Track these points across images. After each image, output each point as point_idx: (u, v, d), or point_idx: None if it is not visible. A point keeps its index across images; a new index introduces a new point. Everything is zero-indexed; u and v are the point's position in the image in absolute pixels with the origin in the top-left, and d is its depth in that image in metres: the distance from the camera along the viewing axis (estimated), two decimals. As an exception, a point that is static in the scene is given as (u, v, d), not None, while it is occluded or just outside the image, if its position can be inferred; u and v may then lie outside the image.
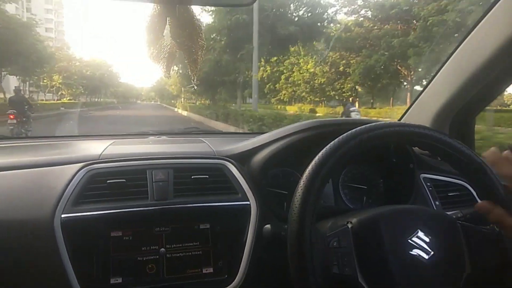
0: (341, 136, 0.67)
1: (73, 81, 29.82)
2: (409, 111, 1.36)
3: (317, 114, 20.57)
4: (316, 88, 28.20)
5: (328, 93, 27.76)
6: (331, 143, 0.66)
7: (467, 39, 1.05)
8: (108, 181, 0.87)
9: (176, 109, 31.05)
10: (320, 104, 31.02)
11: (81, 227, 0.81)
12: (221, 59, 16.51)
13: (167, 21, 0.71)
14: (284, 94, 33.31)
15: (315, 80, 27.60)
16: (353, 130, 0.67)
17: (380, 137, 0.67)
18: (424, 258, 0.62)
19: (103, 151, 1.03)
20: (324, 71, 25.96)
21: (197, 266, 0.86)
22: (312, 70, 26.79)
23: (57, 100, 30.05)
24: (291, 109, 28.93)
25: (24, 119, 9.15)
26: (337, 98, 27.58)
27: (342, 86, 25.57)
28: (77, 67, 31.90)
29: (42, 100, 28.95)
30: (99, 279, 0.81)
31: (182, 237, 0.87)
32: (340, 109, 26.42)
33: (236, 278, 0.85)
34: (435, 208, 1.00)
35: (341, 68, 24.36)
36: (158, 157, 0.97)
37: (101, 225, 0.83)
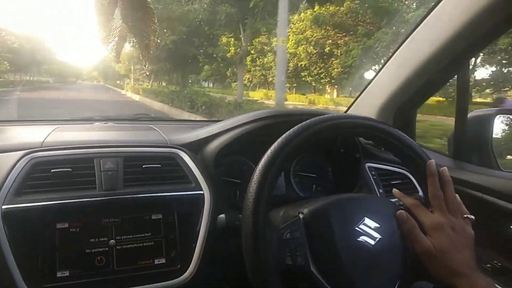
0: (295, 127, 0.68)
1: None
2: (356, 102, 1.42)
3: (288, 103, 16.43)
4: (289, 73, 21.51)
5: (304, 79, 23.04)
6: (286, 133, 0.68)
7: (413, 34, 1.12)
8: (52, 170, 0.82)
9: (124, 92, 27.09)
10: (290, 90, 26.68)
11: (24, 218, 0.76)
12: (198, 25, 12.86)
13: (118, 3, 0.67)
14: (249, 79, 27.49)
15: (289, 62, 20.61)
16: (307, 121, 0.69)
17: (331, 128, 0.70)
18: (371, 244, 0.65)
19: (46, 137, 0.96)
20: (309, 51, 20.37)
21: (149, 257, 0.84)
22: (292, 50, 20.47)
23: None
24: (256, 95, 26.57)
25: None
26: (313, 84, 24.01)
27: (321, 71, 20.66)
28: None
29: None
30: (45, 273, 0.77)
31: (133, 228, 0.84)
32: (313, 97, 23.80)
33: (189, 268, 0.85)
34: (379, 195, 1.06)
35: (327, 49, 19.43)
36: (107, 145, 0.93)
37: (46, 216, 0.78)
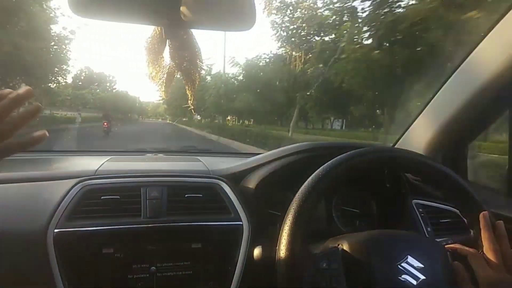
0: (334, 159, 0.68)
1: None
2: (403, 137, 1.38)
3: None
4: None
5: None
6: (324, 165, 0.68)
7: (460, 66, 1.08)
8: (102, 197, 0.87)
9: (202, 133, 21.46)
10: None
11: (73, 242, 0.81)
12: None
13: (167, 43, 0.73)
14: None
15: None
16: (346, 153, 0.69)
17: (371, 161, 0.69)
18: (413, 284, 0.62)
19: (99, 167, 1.04)
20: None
21: (188, 285, 0.86)
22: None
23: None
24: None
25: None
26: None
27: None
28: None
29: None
30: None
31: (173, 256, 0.86)
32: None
33: None
34: (426, 234, 1.00)
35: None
36: (152, 174, 0.98)
37: (93, 241, 0.83)
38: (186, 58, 0.75)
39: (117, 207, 0.87)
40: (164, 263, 0.85)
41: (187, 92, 0.78)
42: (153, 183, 0.94)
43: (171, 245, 0.87)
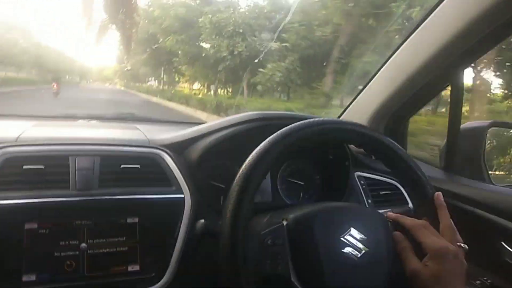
0: (280, 130, 0.65)
1: None
2: (347, 109, 1.39)
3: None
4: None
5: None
6: (271, 137, 0.65)
7: (406, 41, 1.10)
8: (24, 167, 0.78)
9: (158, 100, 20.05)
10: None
11: None
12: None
13: None
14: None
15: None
16: (293, 125, 0.66)
17: (319, 133, 0.67)
18: (356, 256, 0.62)
19: (22, 133, 0.92)
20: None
21: (123, 263, 0.80)
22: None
23: None
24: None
25: None
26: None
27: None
28: None
29: None
30: (10, 276, 0.72)
31: (106, 231, 0.79)
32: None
33: (165, 277, 0.80)
34: (367, 205, 1.03)
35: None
36: (83, 142, 0.89)
37: (14, 215, 0.74)
38: (122, 10, 0.66)
39: (42, 178, 0.78)
40: (96, 240, 0.78)
41: (123, 48, 0.69)
42: (83, 152, 0.85)
43: (104, 220, 0.80)
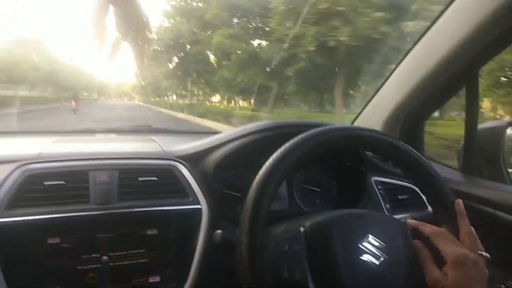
0: (295, 138, 0.65)
1: None
2: (361, 114, 1.39)
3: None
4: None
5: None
6: (285, 145, 0.65)
7: (419, 42, 1.09)
8: (45, 183, 0.79)
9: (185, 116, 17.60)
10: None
11: (14, 233, 0.73)
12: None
13: (111, 11, 0.66)
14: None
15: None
16: (307, 132, 0.66)
17: (334, 140, 0.67)
18: (375, 263, 0.61)
19: (43, 149, 0.95)
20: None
21: (143, 275, 0.81)
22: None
23: None
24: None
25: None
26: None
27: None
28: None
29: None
30: None
31: (126, 244, 0.81)
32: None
33: (184, 287, 0.81)
34: (385, 211, 1.02)
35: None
36: (102, 157, 0.91)
37: (37, 231, 0.75)
38: (133, 28, 0.68)
39: (63, 193, 0.80)
40: (117, 252, 0.80)
41: (136, 65, 0.71)
42: (102, 167, 0.86)
43: (124, 232, 0.81)
